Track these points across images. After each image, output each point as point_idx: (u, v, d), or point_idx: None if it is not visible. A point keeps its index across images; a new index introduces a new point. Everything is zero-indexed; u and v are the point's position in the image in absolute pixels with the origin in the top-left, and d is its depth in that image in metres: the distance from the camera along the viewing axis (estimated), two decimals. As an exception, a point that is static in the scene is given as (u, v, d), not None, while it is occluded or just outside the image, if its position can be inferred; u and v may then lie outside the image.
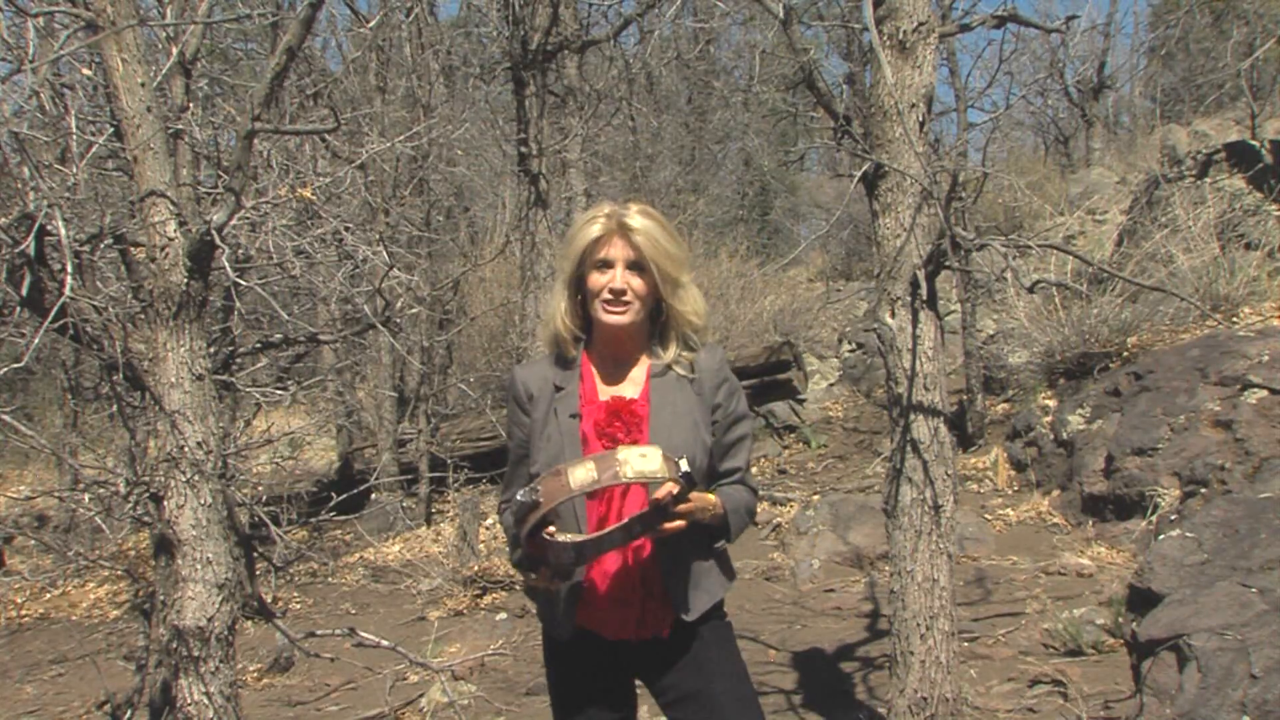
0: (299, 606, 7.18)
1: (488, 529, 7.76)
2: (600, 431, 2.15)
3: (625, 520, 2.05)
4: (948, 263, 2.94)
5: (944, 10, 4.14)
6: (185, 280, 2.31)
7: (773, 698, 4.20)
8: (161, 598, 3.24)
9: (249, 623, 6.23)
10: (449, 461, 8.90)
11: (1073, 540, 5.99)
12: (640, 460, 1.96)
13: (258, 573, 3.12)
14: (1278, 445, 5.25)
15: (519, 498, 1.97)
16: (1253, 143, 8.95)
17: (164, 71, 2.90)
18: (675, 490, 1.97)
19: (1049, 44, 14.84)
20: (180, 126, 3.11)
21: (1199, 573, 3.56)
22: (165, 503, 2.32)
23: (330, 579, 7.80)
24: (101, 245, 2.88)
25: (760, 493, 2.32)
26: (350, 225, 5.07)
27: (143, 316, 2.40)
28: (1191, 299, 6.09)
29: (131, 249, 2.75)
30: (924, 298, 2.99)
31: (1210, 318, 6.91)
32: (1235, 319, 6.94)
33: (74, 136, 2.99)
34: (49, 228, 2.42)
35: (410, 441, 9.47)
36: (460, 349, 11.34)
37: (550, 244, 7.01)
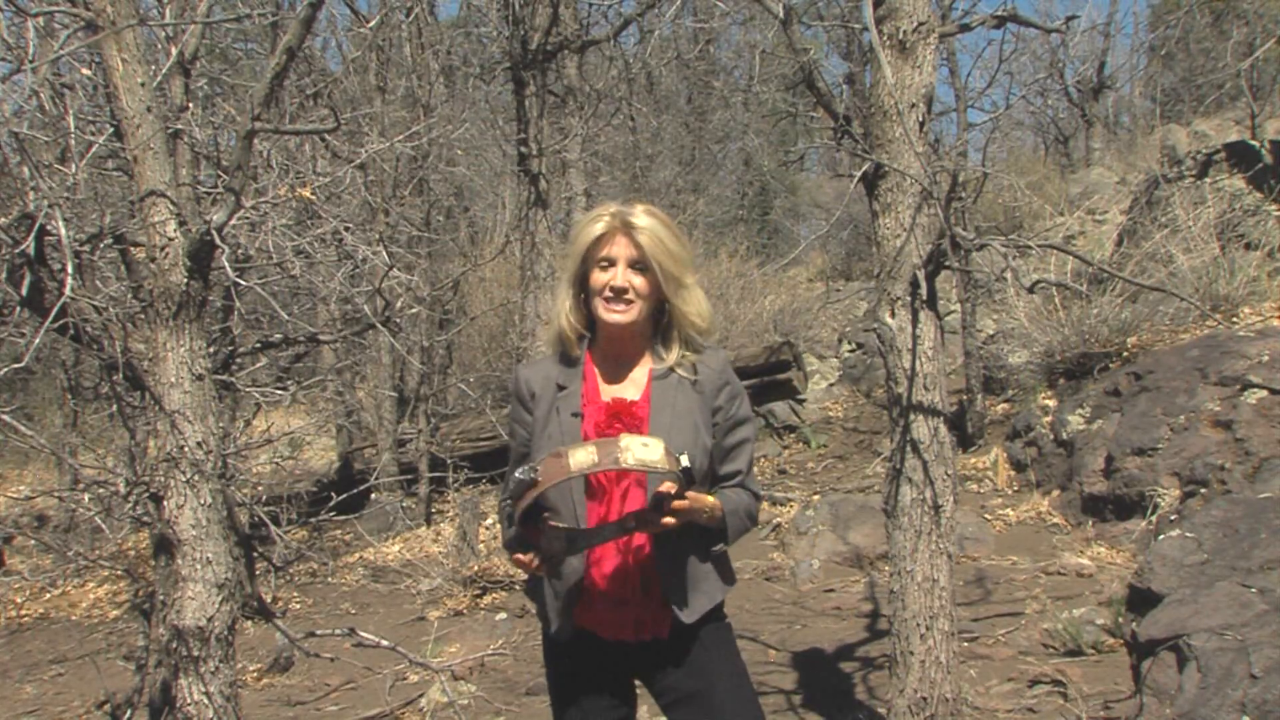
0: (299, 606, 7.18)
1: (487, 529, 7.76)
2: (600, 432, 2.16)
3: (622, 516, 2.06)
4: (948, 263, 2.94)
5: (944, 10, 4.15)
6: (185, 280, 2.32)
7: (773, 698, 4.20)
8: (161, 598, 3.25)
9: (249, 623, 6.23)
10: (449, 461, 8.89)
11: (1073, 540, 5.98)
12: (642, 449, 1.96)
13: (258, 573, 3.11)
14: (1278, 445, 5.24)
15: (518, 475, 1.98)
16: (1253, 143, 8.95)
17: (164, 71, 2.90)
18: (674, 487, 1.98)
19: (1049, 44, 14.86)
20: (180, 126, 3.11)
21: (1199, 573, 3.56)
22: (165, 503, 2.32)
23: (330, 579, 7.80)
24: (101, 245, 2.89)
25: (761, 494, 2.31)
26: (350, 225, 5.07)
27: (143, 316, 2.40)
28: (1191, 299, 6.10)
29: (131, 249, 2.75)
30: (924, 298, 2.99)
31: (1210, 318, 6.91)
32: (1235, 319, 6.93)
33: (74, 136, 2.98)
34: (49, 227, 2.42)
35: (410, 441, 9.47)
36: (460, 349, 11.34)
37: (550, 244, 7.02)
